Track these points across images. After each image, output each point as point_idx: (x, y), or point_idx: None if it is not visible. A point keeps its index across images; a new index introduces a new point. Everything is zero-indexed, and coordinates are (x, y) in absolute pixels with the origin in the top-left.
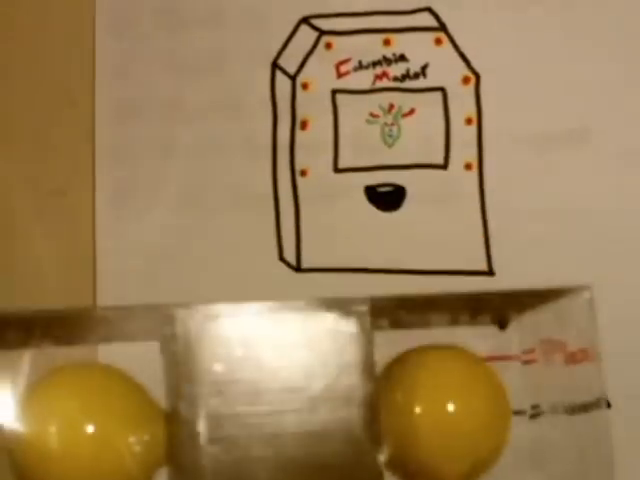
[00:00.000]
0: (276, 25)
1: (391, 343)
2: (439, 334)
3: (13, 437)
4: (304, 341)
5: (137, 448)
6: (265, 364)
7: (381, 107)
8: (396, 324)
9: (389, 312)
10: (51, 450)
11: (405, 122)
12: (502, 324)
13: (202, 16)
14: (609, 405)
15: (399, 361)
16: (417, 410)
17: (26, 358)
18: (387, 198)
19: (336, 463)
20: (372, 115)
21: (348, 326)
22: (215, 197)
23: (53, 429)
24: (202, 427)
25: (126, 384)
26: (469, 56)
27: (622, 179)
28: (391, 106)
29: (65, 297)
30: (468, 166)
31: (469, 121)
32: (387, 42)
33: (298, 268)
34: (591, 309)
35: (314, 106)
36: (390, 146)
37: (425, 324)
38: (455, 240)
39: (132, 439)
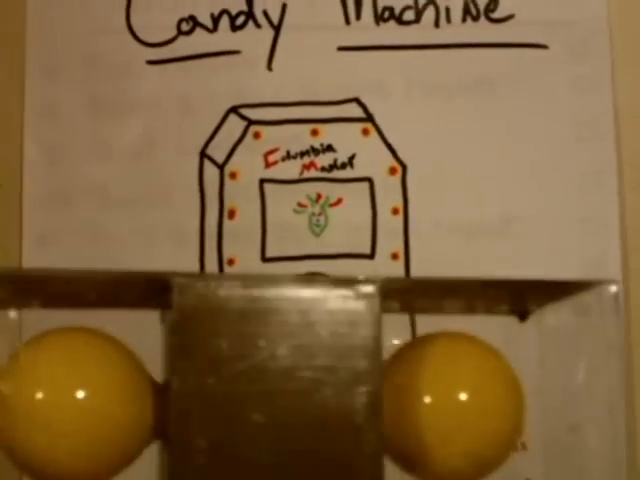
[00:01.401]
0: (204, 114)
1: (401, 327)
2: (453, 321)
3: None
4: (307, 320)
5: (124, 419)
6: (265, 342)
7: (309, 197)
8: (408, 308)
9: (400, 295)
10: (35, 416)
11: (332, 212)
12: (522, 315)
13: (131, 103)
14: None
15: (407, 347)
16: (424, 400)
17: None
18: None
19: (335, 451)
20: (300, 205)
21: (355, 307)
22: None
23: (38, 395)
24: (195, 405)
25: (117, 352)
26: (396, 147)
27: (544, 267)
28: (318, 196)
29: None
30: (395, 256)
31: (395, 211)
32: (315, 132)
33: None
34: (617, 304)
35: (242, 195)
36: (317, 236)
37: (439, 310)
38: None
39: (119, 409)
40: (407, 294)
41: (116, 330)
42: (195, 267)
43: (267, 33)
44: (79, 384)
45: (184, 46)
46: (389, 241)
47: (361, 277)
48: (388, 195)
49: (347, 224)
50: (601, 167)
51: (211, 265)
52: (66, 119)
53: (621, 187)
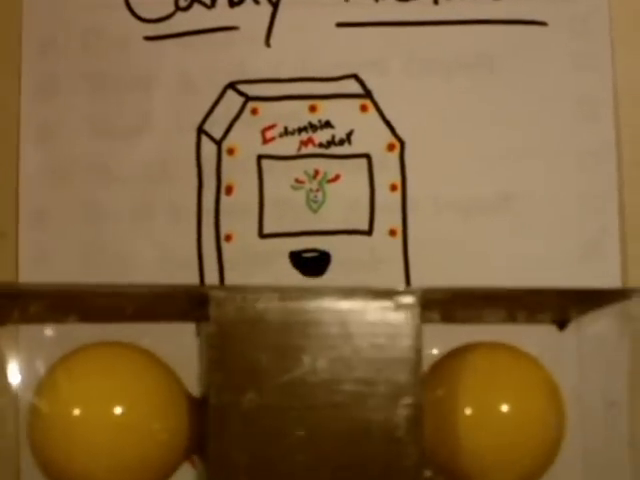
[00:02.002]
0: (202, 90)
1: (441, 338)
2: (493, 330)
3: (33, 416)
4: (346, 332)
5: (161, 434)
6: (304, 355)
7: (306, 173)
8: (448, 318)
9: (440, 305)
10: (72, 433)
11: (330, 188)
12: (561, 324)
13: (128, 80)
14: None
15: (448, 358)
16: (465, 412)
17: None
18: (312, 264)
19: (374, 464)
20: (297, 181)
21: (395, 318)
22: (139, 261)
23: (75, 412)
24: (234, 420)
25: (153, 366)
26: (394, 123)
27: (542, 245)
28: (316, 172)
29: None
30: (392, 232)
31: (394, 187)
32: (313, 108)
33: None
34: None
35: (239, 171)
36: (315, 212)
37: (479, 319)
38: None
39: (156, 424)
40: (448, 304)
41: (151, 343)
42: (192, 243)
43: (265, 9)
44: (116, 400)
45: (182, 22)
46: (387, 217)
47: (401, 288)
48: (386, 171)
49: (345, 200)
50: (600, 144)
51: (208, 241)
52: (63, 96)
53: (620, 164)
